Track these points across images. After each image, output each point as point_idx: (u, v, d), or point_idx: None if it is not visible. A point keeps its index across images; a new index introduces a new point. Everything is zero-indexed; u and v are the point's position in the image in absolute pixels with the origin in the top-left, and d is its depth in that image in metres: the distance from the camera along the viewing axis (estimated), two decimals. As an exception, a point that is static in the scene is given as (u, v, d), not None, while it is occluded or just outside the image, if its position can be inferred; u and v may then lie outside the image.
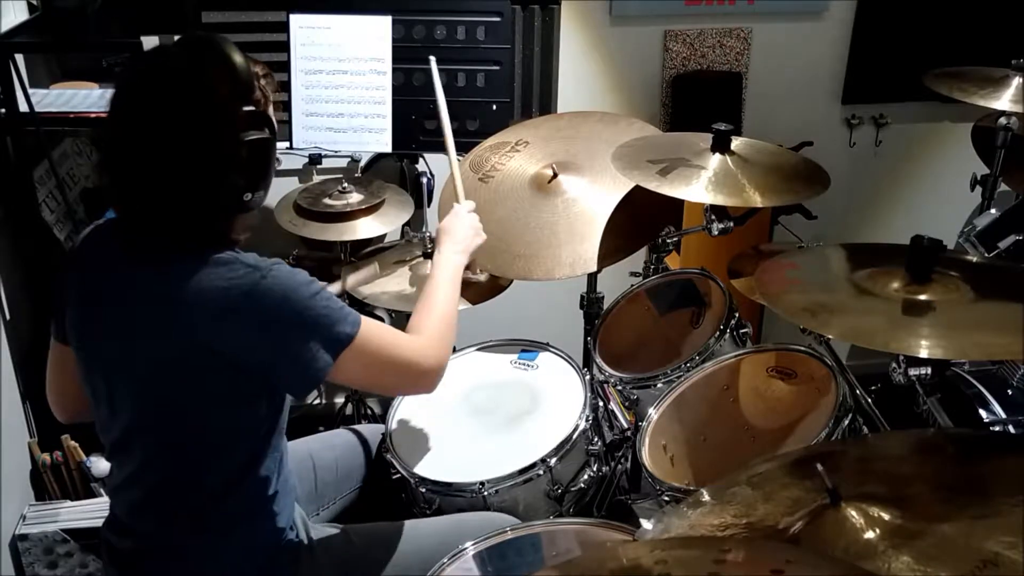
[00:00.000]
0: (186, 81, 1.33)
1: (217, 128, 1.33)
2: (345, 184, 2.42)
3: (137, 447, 1.45)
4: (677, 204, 2.14)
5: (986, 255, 2.24)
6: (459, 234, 1.77)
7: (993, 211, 2.40)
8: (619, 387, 1.99)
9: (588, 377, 1.94)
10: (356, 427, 2.00)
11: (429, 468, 1.78)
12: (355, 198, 2.39)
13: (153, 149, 1.33)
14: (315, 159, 2.68)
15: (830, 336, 1.67)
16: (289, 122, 2.41)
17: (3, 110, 2.21)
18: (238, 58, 1.35)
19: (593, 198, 2.15)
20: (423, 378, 1.51)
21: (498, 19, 2.40)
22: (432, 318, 1.57)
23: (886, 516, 1.07)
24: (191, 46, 1.38)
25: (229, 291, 1.32)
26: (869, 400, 1.79)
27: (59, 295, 1.49)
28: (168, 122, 1.32)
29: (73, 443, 2.31)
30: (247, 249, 1.42)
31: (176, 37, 1.46)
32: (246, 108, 1.36)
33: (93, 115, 2.26)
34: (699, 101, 2.95)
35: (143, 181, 1.35)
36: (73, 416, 1.62)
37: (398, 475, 1.80)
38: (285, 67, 2.39)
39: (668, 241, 2.25)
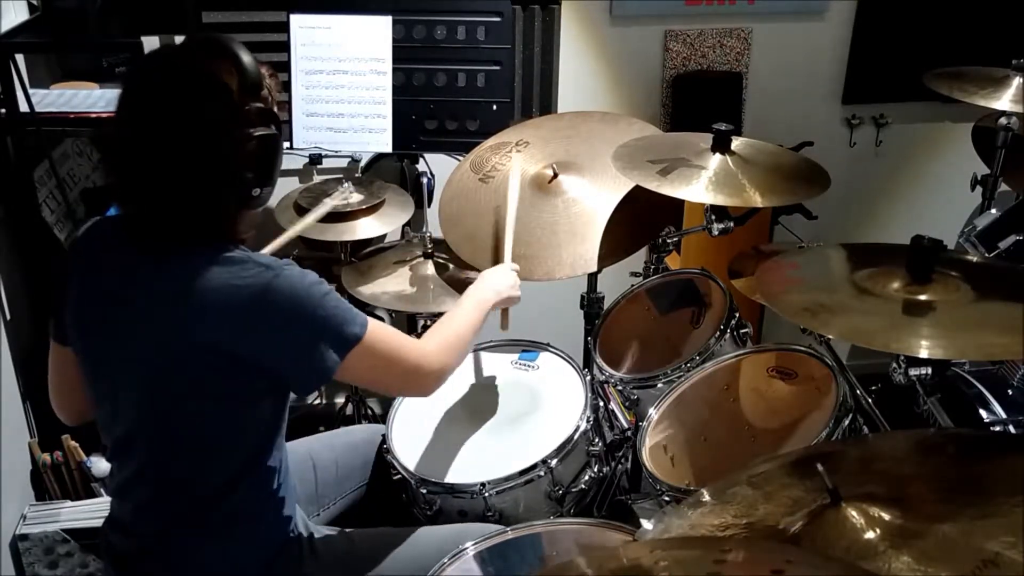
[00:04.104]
0: (198, 77, 1.34)
1: (228, 123, 1.34)
2: (345, 184, 2.41)
3: (139, 447, 1.45)
4: (677, 204, 2.14)
5: (986, 255, 2.24)
6: (498, 283, 1.84)
7: (993, 211, 2.40)
8: (619, 387, 1.99)
9: (588, 377, 1.94)
10: (356, 427, 2.00)
11: (430, 469, 1.78)
12: (355, 198, 2.39)
13: (166, 145, 1.33)
14: (315, 159, 2.68)
15: (830, 336, 1.68)
16: (289, 122, 2.41)
17: (3, 110, 2.21)
18: (246, 56, 1.37)
19: (593, 198, 2.15)
20: (423, 380, 1.56)
21: (498, 19, 2.39)
22: (443, 329, 1.63)
23: (886, 516, 1.07)
24: (200, 45, 1.40)
25: (241, 289, 1.32)
26: (869, 400, 1.79)
27: (58, 295, 1.49)
28: (181, 118, 1.33)
29: (73, 443, 2.32)
30: (251, 249, 1.42)
31: (177, 37, 1.47)
32: (255, 104, 1.37)
33: (93, 115, 2.26)
34: (699, 101, 2.95)
35: (155, 177, 1.35)
36: (79, 418, 1.62)
37: (398, 476, 1.80)
38: (285, 67, 2.39)
39: (668, 241, 2.25)
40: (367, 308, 2.58)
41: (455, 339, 1.63)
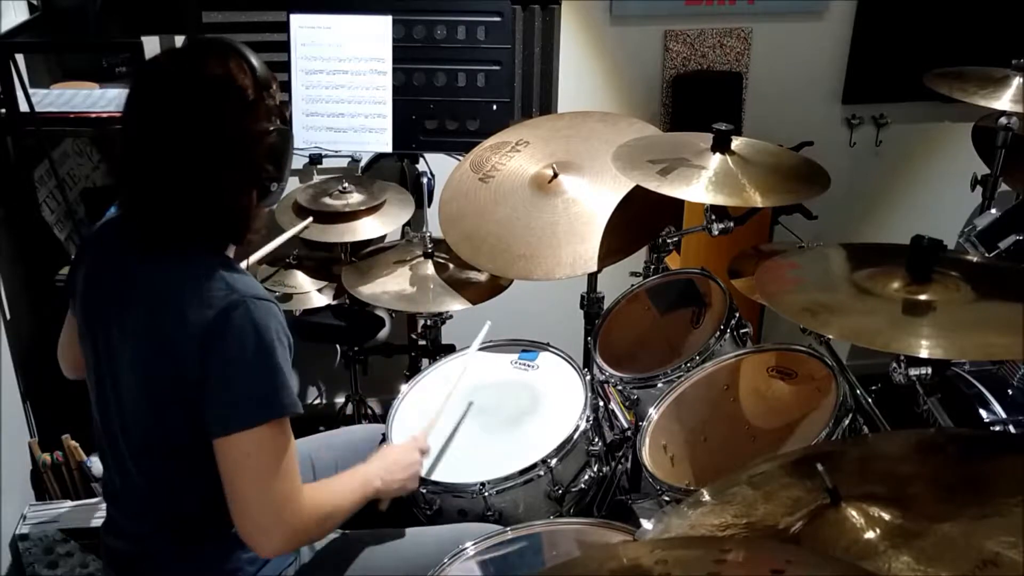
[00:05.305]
0: (213, 77, 1.35)
1: (246, 121, 1.36)
2: (345, 184, 2.42)
3: (126, 450, 1.45)
4: (677, 204, 2.14)
5: (986, 255, 2.24)
6: (396, 473, 1.62)
7: (993, 211, 2.40)
8: (619, 387, 1.99)
9: (588, 377, 1.94)
10: (356, 427, 1.99)
11: (429, 468, 1.78)
12: (355, 198, 2.39)
13: (187, 147, 1.34)
14: (315, 159, 2.68)
15: (830, 336, 1.67)
16: (290, 122, 2.40)
17: (3, 110, 2.21)
18: (253, 56, 1.39)
19: (593, 198, 2.15)
20: (279, 523, 1.35)
21: (498, 19, 2.40)
22: (325, 496, 1.45)
23: (886, 516, 1.07)
24: (208, 46, 1.41)
25: (205, 307, 1.32)
26: (869, 400, 1.79)
27: (72, 278, 1.51)
28: (201, 118, 1.34)
29: (73, 443, 2.32)
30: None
31: (177, 37, 1.47)
32: (268, 101, 1.39)
33: (93, 115, 2.27)
34: (699, 101, 2.95)
35: (177, 179, 1.35)
36: (80, 371, 1.58)
37: (398, 475, 1.80)
38: (285, 67, 2.39)
39: (668, 241, 2.25)
40: (368, 308, 2.59)
41: (330, 513, 1.45)
